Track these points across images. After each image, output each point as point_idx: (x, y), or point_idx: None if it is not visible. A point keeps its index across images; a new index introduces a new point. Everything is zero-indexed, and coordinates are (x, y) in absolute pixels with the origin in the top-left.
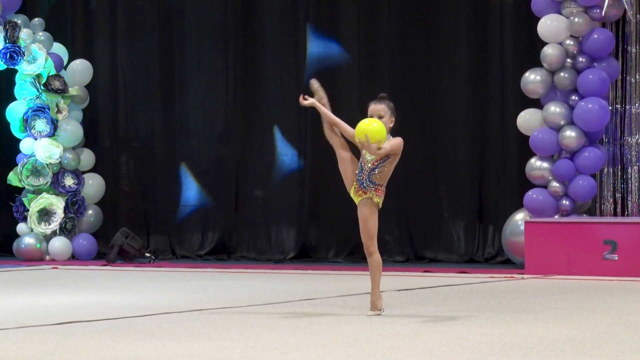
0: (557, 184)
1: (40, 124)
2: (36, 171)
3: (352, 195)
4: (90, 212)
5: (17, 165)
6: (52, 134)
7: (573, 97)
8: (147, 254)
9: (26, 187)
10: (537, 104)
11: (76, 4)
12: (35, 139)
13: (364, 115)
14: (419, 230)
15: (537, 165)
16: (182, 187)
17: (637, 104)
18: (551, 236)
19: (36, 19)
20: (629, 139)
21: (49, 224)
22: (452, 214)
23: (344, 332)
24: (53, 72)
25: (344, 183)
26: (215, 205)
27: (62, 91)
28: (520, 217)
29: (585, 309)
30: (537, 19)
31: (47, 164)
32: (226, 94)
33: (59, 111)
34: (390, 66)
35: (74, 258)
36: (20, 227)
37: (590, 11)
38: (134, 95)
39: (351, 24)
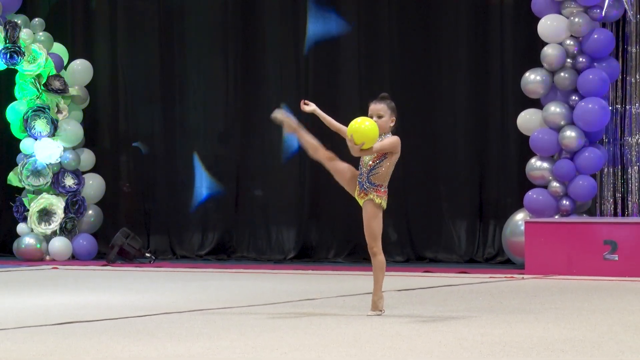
0: (557, 184)
1: (41, 124)
2: (36, 171)
3: (356, 198)
4: (90, 212)
5: (17, 165)
6: (52, 134)
7: (573, 97)
8: (147, 254)
9: (26, 187)
10: (537, 104)
11: (76, 4)
12: (36, 139)
13: (364, 115)
14: (419, 230)
15: (537, 165)
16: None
17: (637, 104)
18: (551, 236)
19: (36, 19)
20: (629, 139)
21: (49, 224)
22: (452, 214)
23: (344, 332)
24: (53, 72)
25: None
26: (217, 204)
27: (62, 91)
28: (520, 217)
29: (586, 309)
30: (537, 19)
31: (47, 164)
32: (226, 94)
33: (59, 111)
34: (390, 66)
35: (74, 258)
36: (21, 227)
37: (591, 11)
38: (134, 95)
39: (351, 25)
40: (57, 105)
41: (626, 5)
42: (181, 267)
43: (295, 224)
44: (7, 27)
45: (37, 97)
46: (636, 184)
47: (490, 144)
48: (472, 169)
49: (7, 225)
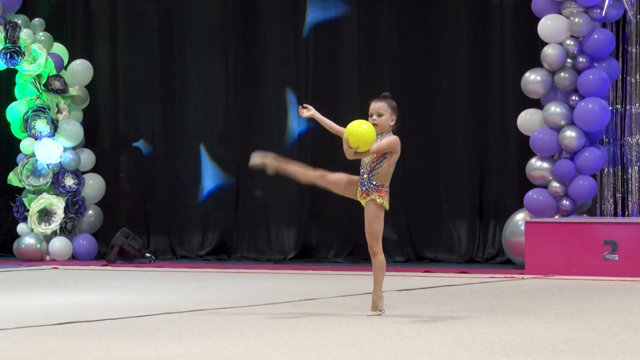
0: (558, 184)
1: (41, 124)
2: (36, 171)
3: (359, 199)
4: (90, 212)
5: (17, 165)
6: (52, 134)
7: (573, 97)
8: (148, 254)
9: (26, 187)
10: (538, 104)
11: (76, 4)
12: (36, 139)
13: (364, 115)
14: (419, 230)
15: (537, 165)
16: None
17: (637, 104)
18: (551, 236)
19: (36, 19)
20: (629, 139)
21: (49, 224)
22: (453, 214)
23: (344, 332)
24: (53, 72)
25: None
26: (217, 204)
27: (63, 91)
28: (520, 217)
29: (586, 309)
30: (538, 19)
31: (47, 164)
32: (226, 94)
33: (59, 111)
34: (391, 66)
35: (74, 258)
36: (21, 227)
37: (591, 11)
38: (134, 95)
39: (351, 25)
40: (57, 105)
41: (626, 6)
42: (181, 267)
43: (295, 224)
44: (7, 27)
45: (37, 97)
46: (636, 184)
47: (490, 144)
48: (472, 169)
49: (7, 225)
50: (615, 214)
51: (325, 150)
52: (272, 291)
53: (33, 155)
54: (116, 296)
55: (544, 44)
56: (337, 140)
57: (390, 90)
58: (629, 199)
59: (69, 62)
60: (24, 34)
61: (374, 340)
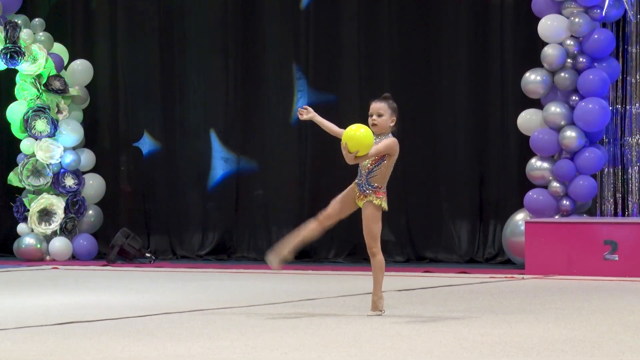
0: (558, 184)
1: (41, 124)
2: (36, 171)
3: (357, 202)
4: (90, 212)
5: (17, 165)
6: (52, 134)
7: (573, 98)
8: (148, 254)
9: (26, 187)
10: (538, 104)
11: (76, 4)
12: (36, 139)
13: (364, 115)
14: (419, 230)
15: (537, 165)
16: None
17: (637, 104)
18: (551, 236)
19: (36, 19)
20: (630, 139)
21: (50, 224)
22: (453, 214)
23: (344, 332)
24: (53, 72)
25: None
26: (217, 204)
27: (63, 91)
28: (520, 217)
29: (586, 309)
30: (538, 19)
31: (47, 164)
32: (226, 94)
33: (59, 111)
34: (390, 66)
35: (74, 258)
36: (21, 227)
37: (591, 11)
38: (134, 95)
39: (351, 24)
40: (58, 106)
41: (626, 5)
42: (181, 267)
43: (295, 224)
44: (7, 27)
45: (38, 97)
46: (636, 184)
47: (490, 144)
48: (472, 169)
49: (7, 225)
50: (616, 214)
51: (325, 150)
52: (272, 291)
53: (33, 155)
54: (116, 296)
55: (544, 44)
56: (337, 139)
57: (390, 90)
58: (629, 199)
59: (69, 62)
60: (24, 34)
61: (374, 340)
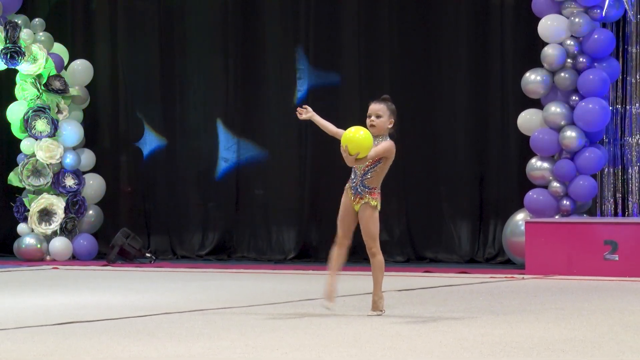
0: (558, 184)
1: (41, 124)
2: (37, 171)
3: (353, 206)
4: (90, 212)
5: (17, 165)
6: (52, 134)
7: (573, 98)
8: (148, 254)
9: (27, 187)
10: (538, 104)
11: (76, 4)
12: (36, 139)
13: (364, 114)
14: (420, 230)
15: (537, 165)
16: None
17: (637, 105)
18: (552, 236)
19: (37, 19)
20: (630, 139)
21: (50, 224)
22: (453, 214)
23: (344, 332)
24: (53, 72)
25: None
26: (217, 204)
27: (63, 91)
28: (520, 217)
29: (586, 310)
30: (538, 19)
31: (47, 164)
32: (226, 94)
33: (59, 111)
34: (390, 66)
35: (75, 258)
36: (21, 227)
37: (591, 11)
38: (134, 95)
39: (351, 24)
40: (58, 106)
41: (626, 5)
42: (181, 267)
43: (295, 224)
44: (8, 27)
45: (38, 97)
46: (636, 184)
47: (490, 144)
48: (472, 169)
49: (7, 225)
50: (616, 214)
51: (325, 150)
52: (272, 291)
53: (33, 155)
54: (116, 296)
55: (544, 44)
56: (337, 140)
57: (390, 90)
58: (629, 199)
59: (69, 62)
60: (24, 34)
61: (374, 340)
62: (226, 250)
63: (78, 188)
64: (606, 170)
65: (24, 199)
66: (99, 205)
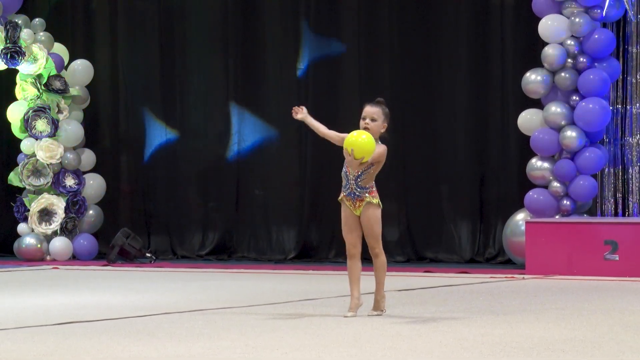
0: (558, 184)
1: (41, 124)
2: (37, 171)
3: (354, 211)
4: (91, 212)
5: (17, 165)
6: (52, 134)
7: (574, 97)
8: (148, 254)
9: (27, 187)
10: (538, 104)
11: (77, 4)
12: (36, 139)
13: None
14: (420, 230)
15: (537, 165)
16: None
17: (637, 104)
18: (552, 236)
19: (37, 19)
20: (630, 139)
21: (50, 224)
22: (453, 214)
23: (344, 332)
24: (54, 72)
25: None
26: (217, 204)
27: (63, 91)
28: (521, 217)
29: (586, 310)
30: (538, 19)
31: (47, 164)
32: (226, 94)
33: (59, 111)
34: (390, 66)
35: (75, 258)
36: (21, 227)
37: (591, 11)
38: (134, 95)
39: (351, 24)
40: (58, 105)
41: (627, 5)
42: (182, 267)
43: (295, 224)
44: (8, 27)
45: (38, 97)
46: (637, 184)
47: (490, 144)
48: (473, 169)
49: (7, 225)
50: (616, 214)
51: (326, 151)
52: (272, 291)
53: (33, 155)
54: (116, 296)
55: (545, 43)
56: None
57: (390, 90)
58: (630, 199)
59: (69, 62)
60: (25, 34)
61: (374, 340)
62: (226, 250)
63: (78, 188)
64: (606, 170)
65: (24, 198)
66: (99, 205)
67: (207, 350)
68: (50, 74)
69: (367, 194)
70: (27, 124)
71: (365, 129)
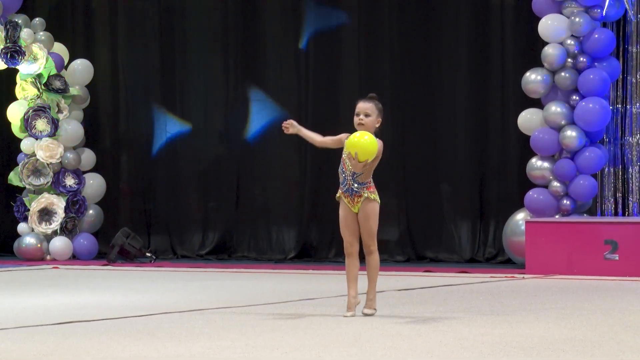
0: (558, 184)
1: (41, 124)
2: (37, 171)
3: (352, 209)
4: (91, 211)
5: (17, 165)
6: (52, 134)
7: (574, 97)
8: (148, 254)
9: (27, 186)
10: (538, 103)
11: (76, 4)
12: (36, 139)
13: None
14: (420, 230)
15: (537, 165)
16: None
17: (637, 104)
18: (552, 236)
19: (37, 19)
20: (630, 138)
21: (50, 224)
22: (453, 214)
23: (344, 332)
24: (54, 71)
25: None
26: (218, 203)
27: (63, 91)
28: (521, 216)
29: (586, 309)
30: (538, 19)
31: (47, 164)
32: (226, 94)
33: (59, 111)
34: (390, 66)
35: (75, 258)
36: (21, 227)
37: (591, 11)
38: (134, 95)
39: (351, 24)
40: (58, 105)
41: (627, 5)
42: (182, 266)
43: (295, 224)
44: (8, 27)
45: (38, 97)
46: (637, 184)
47: (490, 144)
48: (473, 168)
49: (7, 225)
50: (616, 214)
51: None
52: (272, 291)
53: (33, 154)
54: (116, 296)
55: (545, 43)
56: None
57: (390, 90)
58: (630, 198)
59: (69, 62)
60: (25, 34)
61: (374, 340)
62: (226, 249)
63: (78, 187)
64: (606, 169)
65: (24, 198)
66: (99, 204)
67: (207, 350)
68: (50, 74)
69: (365, 190)
70: (27, 123)
71: (360, 124)
